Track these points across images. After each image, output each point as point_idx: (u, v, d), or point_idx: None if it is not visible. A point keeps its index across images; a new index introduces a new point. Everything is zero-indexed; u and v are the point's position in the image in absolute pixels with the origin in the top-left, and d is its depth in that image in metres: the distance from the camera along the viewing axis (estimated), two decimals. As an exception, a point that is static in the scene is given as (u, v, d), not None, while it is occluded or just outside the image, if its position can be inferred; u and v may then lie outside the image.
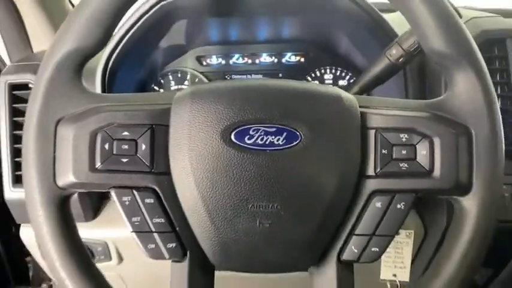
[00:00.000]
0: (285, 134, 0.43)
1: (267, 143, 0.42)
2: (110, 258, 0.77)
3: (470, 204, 0.44)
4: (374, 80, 0.66)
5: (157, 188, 0.44)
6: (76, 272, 0.43)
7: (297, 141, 0.43)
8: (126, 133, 0.44)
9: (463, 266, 0.44)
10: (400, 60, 0.62)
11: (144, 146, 0.44)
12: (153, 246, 0.44)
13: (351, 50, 0.82)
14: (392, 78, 0.68)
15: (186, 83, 0.86)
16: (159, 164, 0.44)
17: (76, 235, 0.45)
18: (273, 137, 0.43)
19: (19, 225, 1.11)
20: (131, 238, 0.73)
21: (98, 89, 0.70)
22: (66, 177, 0.43)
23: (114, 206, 0.75)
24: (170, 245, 0.44)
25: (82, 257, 0.45)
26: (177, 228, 0.44)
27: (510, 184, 0.68)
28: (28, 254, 1.15)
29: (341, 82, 0.85)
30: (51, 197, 0.43)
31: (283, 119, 0.43)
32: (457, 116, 0.45)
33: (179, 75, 0.86)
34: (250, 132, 0.43)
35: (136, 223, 0.44)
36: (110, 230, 0.74)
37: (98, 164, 0.43)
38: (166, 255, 0.45)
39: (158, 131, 0.44)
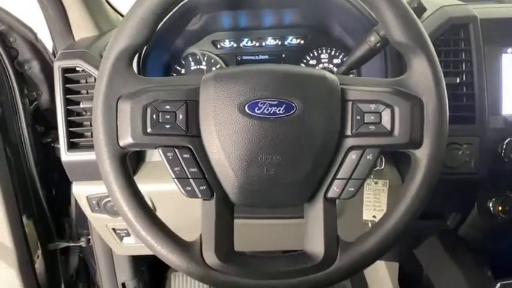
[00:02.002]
0: (284, 105, 0.58)
1: (271, 112, 0.58)
2: (146, 209, 0.94)
3: (421, 155, 0.60)
4: (358, 61, 0.81)
5: (191, 146, 0.60)
6: (135, 206, 0.60)
7: (293, 111, 0.58)
8: (168, 107, 0.60)
9: (416, 200, 0.60)
10: (378, 45, 0.77)
11: (181, 116, 0.60)
12: (189, 188, 0.61)
13: (342, 34, 0.96)
14: (376, 58, 0.83)
15: (203, 63, 1.01)
16: (192, 129, 0.60)
17: (133, 181, 0.62)
18: (275, 108, 0.58)
19: (61, 188, 1.28)
20: (162, 192, 0.90)
21: (135, 71, 0.86)
22: (126, 139, 0.60)
23: (148, 167, 0.94)
24: (202, 188, 0.61)
25: (138, 195, 0.61)
26: (206, 175, 0.60)
27: (469, 144, 0.84)
28: (66, 213, 1.33)
29: (335, 60, 1.00)
30: (115, 154, 0.60)
31: (283, 94, 0.58)
32: (412, 90, 0.60)
33: (198, 57, 1.01)
34: (259, 105, 0.58)
35: (177, 172, 0.60)
36: (145, 186, 0.89)
37: (149, 129, 0.59)
38: (199, 195, 0.61)
39: (191, 105, 0.60)
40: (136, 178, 0.91)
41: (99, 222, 1.02)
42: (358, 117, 0.59)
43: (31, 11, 1.04)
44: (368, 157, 0.60)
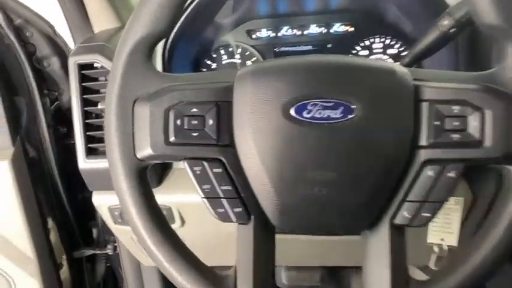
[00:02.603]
0: (341, 108, 0.46)
1: (324, 116, 0.46)
2: (173, 221, 0.84)
3: None
4: (425, 50, 0.67)
5: (223, 159, 0.49)
6: (155, 232, 0.49)
7: (353, 115, 0.46)
8: (194, 109, 0.48)
9: (510, 232, 0.47)
10: (452, 30, 0.63)
11: (211, 121, 0.48)
12: (222, 210, 0.50)
13: (399, 18, 0.82)
14: (442, 49, 0.69)
15: (237, 56, 0.89)
16: (225, 137, 0.48)
17: (153, 199, 0.51)
18: (330, 111, 0.46)
19: (86, 192, 1.21)
20: (192, 204, 0.79)
21: (159, 67, 0.75)
22: (144, 150, 0.49)
23: (176, 174, 0.83)
24: (237, 210, 0.49)
25: (159, 218, 0.50)
26: (242, 195, 0.49)
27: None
28: (92, 218, 1.26)
29: (390, 51, 0.86)
30: (132, 168, 0.49)
31: (339, 93, 0.46)
32: (508, 87, 0.46)
33: (230, 49, 0.89)
34: (308, 107, 0.46)
35: (206, 190, 0.49)
36: (172, 196, 0.80)
37: (172, 138, 0.48)
38: (234, 218, 0.50)
39: (223, 107, 0.48)
40: (162, 188, 0.82)
41: (124, 234, 0.93)
42: (436, 123, 0.46)
43: (47, 2, 0.95)
44: (449, 174, 0.47)
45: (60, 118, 1.09)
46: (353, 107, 0.46)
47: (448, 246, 0.68)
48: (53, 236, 1.14)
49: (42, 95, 1.03)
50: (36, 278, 1.07)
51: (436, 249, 0.68)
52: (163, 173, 0.82)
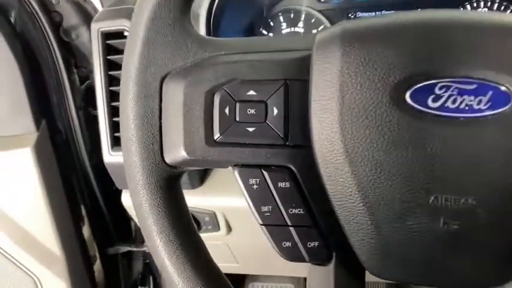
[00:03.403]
0: (490, 93, 0.28)
1: (462, 106, 0.28)
2: (218, 229, 0.69)
3: None
4: None
5: (293, 168, 0.33)
6: (193, 277, 0.34)
7: (510, 105, 0.28)
8: (252, 92, 0.32)
9: None
10: None
11: (276, 110, 0.32)
12: (289, 244, 0.34)
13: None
14: None
15: (300, 24, 0.72)
16: (296, 134, 0.32)
17: (190, 226, 0.35)
18: (472, 97, 0.28)
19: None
20: (241, 208, 0.63)
21: (202, 31, 0.59)
22: (176, 152, 0.33)
23: (222, 172, 0.67)
24: (311, 244, 0.33)
25: (198, 254, 0.35)
26: (320, 222, 0.33)
27: None
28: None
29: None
30: (158, 178, 0.34)
31: (487, 70, 0.28)
32: None
33: (292, 15, 0.72)
34: (436, 91, 0.29)
35: (267, 214, 0.33)
36: (217, 198, 0.66)
37: (217, 135, 0.32)
38: (306, 256, 0.34)
39: (295, 89, 0.32)
40: (204, 188, 0.67)
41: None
42: None
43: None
44: None
45: (92, 99, 0.95)
46: (507, 91, 0.28)
47: None
48: (86, 232, 1.03)
49: (71, 72, 0.91)
50: (64, 277, 0.96)
51: None
52: (207, 170, 0.66)
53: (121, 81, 0.34)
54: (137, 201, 0.34)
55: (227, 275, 1.11)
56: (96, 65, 0.61)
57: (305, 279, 1.17)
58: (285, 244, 0.34)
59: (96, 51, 0.61)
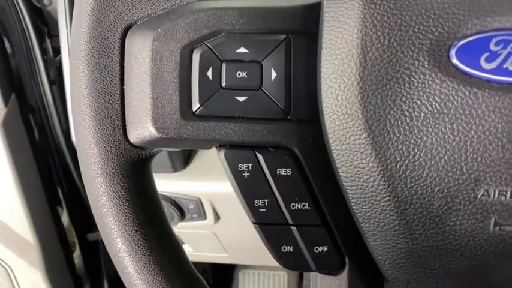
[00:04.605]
0: None
1: (526, 68, 0.21)
2: (205, 217, 0.62)
3: None
4: None
5: (296, 149, 0.25)
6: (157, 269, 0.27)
7: None
8: (243, 50, 0.25)
9: None
10: None
11: (274, 74, 0.25)
12: (290, 248, 0.26)
13: None
14: None
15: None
16: (300, 105, 0.25)
17: (163, 225, 0.28)
18: (540, 56, 0.21)
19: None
20: (230, 193, 0.56)
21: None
22: (143, 128, 0.26)
23: (209, 153, 0.60)
24: (319, 248, 0.26)
25: (171, 261, 0.28)
26: (331, 220, 0.26)
27: None
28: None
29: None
30: (119, 162, 0.26)
31: None
32: None
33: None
34: (492, 47, 0.21)
35: (262, 210, 0.26)
36: (203, 183, 0.59)
37: (197, 106, 0.25)
38: (312, 264, 0.27)
39: (299, 46, 0.25)
40: (189, 171, 0.61)
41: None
42: None
43: None
44: None
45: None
46: None
47: None
48: (65, 217, 0.97)
49: (43, 42, 0.83)
50: (38, 266, 0.90)
51: None
52: (191, 150, 0.59)
53: (71, 36, 0.26)
54: (92, 193, 0.27)
55: (216, 263, 1.03)
56: (62, 32, 0.53)
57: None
58: (285, 248, 0.27)
59: (62, 14, 0.53)
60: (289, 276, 1.16)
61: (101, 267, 1.09)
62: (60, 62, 0.88)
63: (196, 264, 0.90)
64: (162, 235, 0.28)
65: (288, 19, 0.25)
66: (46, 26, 0.83)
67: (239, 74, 0.25)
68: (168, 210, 0.61)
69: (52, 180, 0.92)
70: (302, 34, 0.25)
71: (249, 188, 0.26)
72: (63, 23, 0.54)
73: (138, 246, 0.26)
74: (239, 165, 0.26)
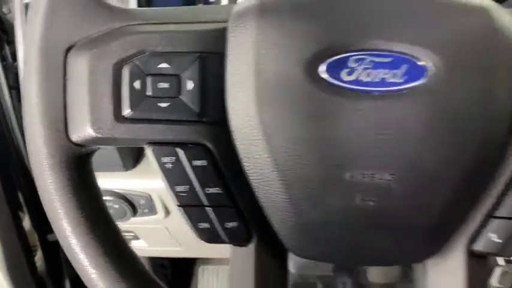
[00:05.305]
0: (405, 66, 0.28)
1: (376, 80, 0.28)
2: (155, 212, 0.67)
3: None
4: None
5: (209, 144, 0.31)
6: (108, 267, 0.32)
7: (423, 78, 0.27)
8: (164, 65, 0.30)
9: None
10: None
11: (190, 84, 0.30)
12: (206, 225, 0.32)
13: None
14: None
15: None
16: (212, 110, 0.31)
17: (103, 210, 0.33)
18: (387, 70, 0.28)
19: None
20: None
21: (133, 4, 0.56)
22: (83, 129, 0.31)
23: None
24: (230, 225, 0.32)
25: (112, 240, 0.33)
26: (239, 202, 0.32)
27: None
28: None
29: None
30: (64, 158, 0.31)
31: (402, 42, 0.27)
32: None
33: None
34: (350, 64, 0.28)
35: (182, 194, 0.32)
36: (153, 180, 0.64)
37: (127, 111, 0.30)
38: (224, 237, 0.32)
39: (211, 62, 0.30)
40: (139, 170, 0.65)
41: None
42: None
43: None
44: None
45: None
46: (424, 65, 0.27)
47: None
48: (27, 221, 0.98)
49: (2, 48, 0.84)
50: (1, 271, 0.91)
51: (501, 261, 0.51)
52: (141, 150, 0.64)
53: (23, 51, 0.32)
54: (41, 185, 0.32)
55: (175, 259, 1.09)
56: (18, 41, 0.57)
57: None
58: (201, 225, 0.32)
59: (18, 25, 0.57)
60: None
61: (62, 268, 1.11)
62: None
63: (153, 259, 0.96)
64: (105, 222, 0.33)
65: (202, 40, 0.31)
66: (5, 33, 0.86)
67: (161, 85, 0.30)
68: (121, 206, 0.65)
69: (12, 185, 0.93)
70: (213, 53, 0.31)
71: (172, 177, 0.32)
72: (19, 33, 0.58)
73: (81, 225, 0.32)
74: (163, 159, 0.31)
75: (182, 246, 0.82)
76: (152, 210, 0.67)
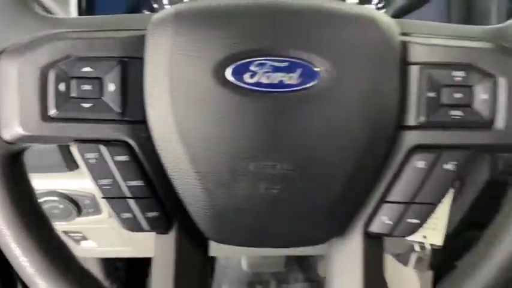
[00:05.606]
0: (299, 70, 0.32)
1: (274, 82, 0.32)
2: (100, 212, 0.69)
3: None
4: (408, 3, 0.53)
5: (130, 141, 0.34)
6: (39, 259, 0.35)
7: (316, 80, 0.32)
8: (88, 69, 0.33)
9: None
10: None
11: (112, 86, 0.33)
12: (129, 215, 0.35)
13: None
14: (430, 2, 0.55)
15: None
16: (133, 110, 0.34)
17: (34, 203, 0.36)
18: (283, 74, 0.32)
19: None
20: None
21: (74, 13, 0.59)
22: (13, 128, 0.33)
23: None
24: (150, 214, 0.35)
25: (42, 231, 0.36)
26: (159, 193, 0.35)
27: None
28: None
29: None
30: None
31: (297, 49, 0.32)
32: None
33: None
34: (252, 68, 0.32)
35: (106, 187, 0.35)
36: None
37: (52, 111, 0.33)
38: (146, 226, 0.35)
39: (131, 66, 0.33)
40: (82, 171, 0.67)
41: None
42: (430, 95, 0.33)
43: None
44: (447, 166, 0.33)
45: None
46: (316, 69, 0.32)
47: (431, 245, 0.56)
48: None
49: None
50: None
51: (417, 247, 0.56)
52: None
53: None
54: None
55: (129, 260, 1.09)
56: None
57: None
58: (124, 215, 0.35)
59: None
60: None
61: (15, 272, 1.10)
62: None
63: (107, 262, 0.97)
64: (34, 207, 0.36)
65: (122, 46, 0.34)
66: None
67: (84, 87, 0.33)
68: (66, 206, 0.67)
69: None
70: (134, 58, 0.34)
71: (96, 171, 0.34)
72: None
73: (16, 218, 0.34)
74: (87, 155, 0.34)
75: (131, 245, 0.83)
76: (97, 210, 0.69)
